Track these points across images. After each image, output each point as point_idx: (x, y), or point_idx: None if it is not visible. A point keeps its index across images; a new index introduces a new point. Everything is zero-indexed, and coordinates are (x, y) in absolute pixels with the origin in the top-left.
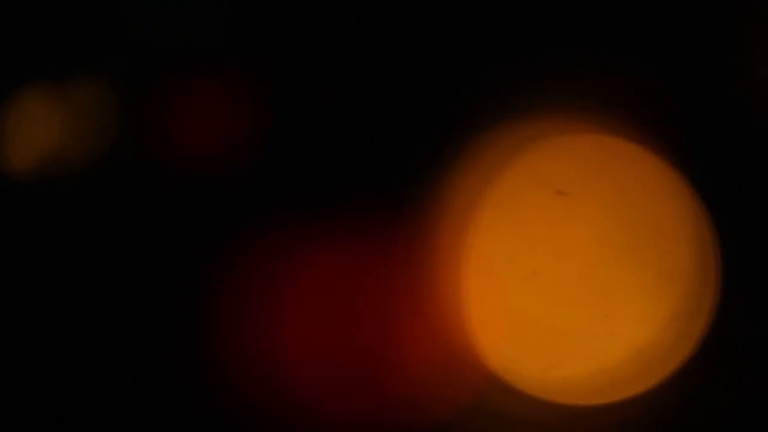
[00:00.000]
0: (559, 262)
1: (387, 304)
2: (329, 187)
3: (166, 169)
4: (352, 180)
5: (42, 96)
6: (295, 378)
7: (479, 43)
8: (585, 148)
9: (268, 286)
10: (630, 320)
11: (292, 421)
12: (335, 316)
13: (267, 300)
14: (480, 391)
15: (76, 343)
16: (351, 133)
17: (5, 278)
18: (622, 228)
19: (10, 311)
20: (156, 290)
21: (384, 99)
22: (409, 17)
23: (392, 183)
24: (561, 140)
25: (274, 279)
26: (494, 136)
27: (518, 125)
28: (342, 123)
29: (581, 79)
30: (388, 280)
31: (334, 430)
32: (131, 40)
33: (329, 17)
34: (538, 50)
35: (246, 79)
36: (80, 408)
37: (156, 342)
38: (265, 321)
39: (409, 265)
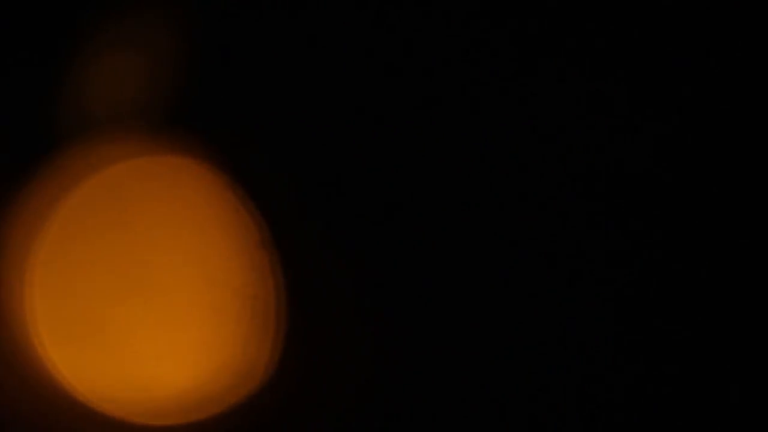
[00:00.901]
0: (132, 282)
1: None
2: None
3: None
4: None
5: None
6: None
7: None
8: (151, 168)
9: None
10: (206, 340)
11: None
12: None
13: None
14: (57, 415)
15: None
16: None
17: None
18: (194, 249)
19: None
20: None
21: None
22: None
23: None
24: (128, 161)
25: None
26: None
27: (85, 146)
28: None
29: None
30: None
31: None
32: None
33: None
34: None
35: None
36: None
37: None
38: None
39: None
